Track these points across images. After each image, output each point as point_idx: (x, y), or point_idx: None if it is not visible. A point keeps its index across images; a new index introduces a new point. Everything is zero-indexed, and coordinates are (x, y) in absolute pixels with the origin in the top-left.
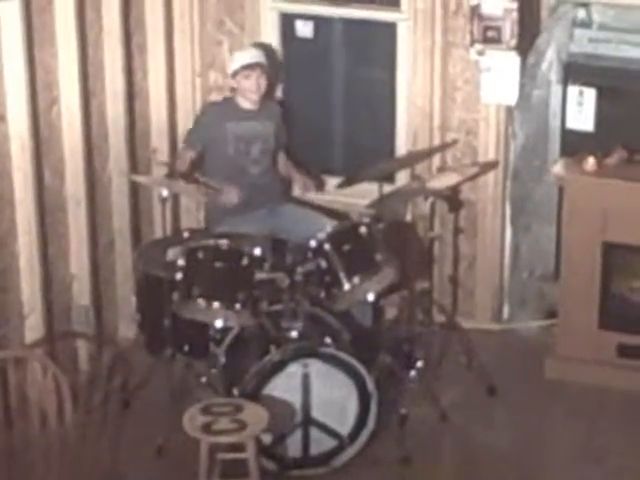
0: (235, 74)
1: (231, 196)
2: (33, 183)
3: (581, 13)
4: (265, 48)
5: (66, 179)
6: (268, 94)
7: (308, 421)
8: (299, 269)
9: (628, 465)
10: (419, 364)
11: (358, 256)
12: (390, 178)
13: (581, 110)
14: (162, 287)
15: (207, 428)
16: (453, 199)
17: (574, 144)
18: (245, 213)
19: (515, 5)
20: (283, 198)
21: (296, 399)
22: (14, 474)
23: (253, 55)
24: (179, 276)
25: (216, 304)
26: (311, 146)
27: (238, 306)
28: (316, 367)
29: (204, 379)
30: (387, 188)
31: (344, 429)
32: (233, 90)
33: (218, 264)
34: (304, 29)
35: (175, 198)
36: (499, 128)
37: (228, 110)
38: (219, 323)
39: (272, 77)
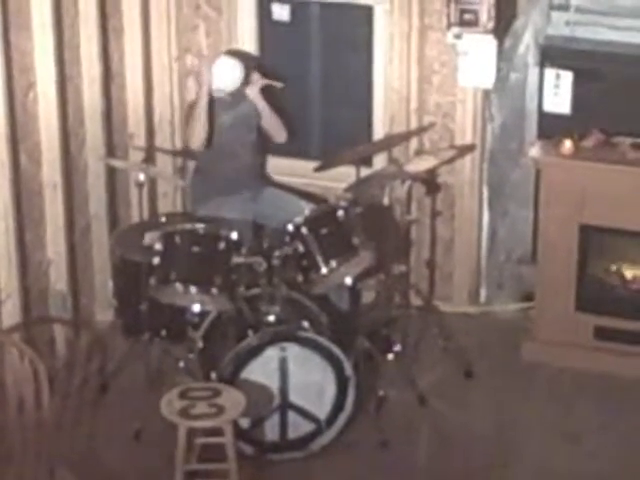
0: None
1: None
2: (9, 169)
3: None
4: (242, 55)
5: (42, 164)
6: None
7: (286, 405)
8: (276, 253)
9: (604, 447)
10: (397, 347)
11: (335, 240)
12: (367, 162)
13: (558, 93)
14: (139, 271)
15: (185, 412)
16: (430, 182)
17: (551, 127)
18: (228, 195)
19: None
20: (264, 180)
21: (274, 383)
22: None
23: (235, 80)
24: (156, 260)
25: (193, 288)
26: (288, 130)
27: (215, 290)
28: (294, 351)
29: (182, 363)
30: (364, 172)
31: (322, 413)
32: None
33: (195, 248)
34: (281, 12)
35: (152, 182)
36: (476, 111)
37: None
38: (196, 307)
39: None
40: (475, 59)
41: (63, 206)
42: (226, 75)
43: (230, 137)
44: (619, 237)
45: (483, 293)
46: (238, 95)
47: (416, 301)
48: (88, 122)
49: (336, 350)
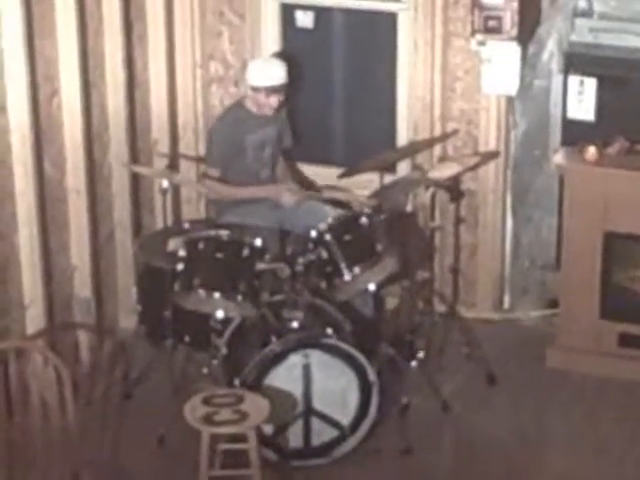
0: (257, 89)
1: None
2: (33, 175)
3: (582, 3)
4: (281, 57)
5: (66, 171)
6: None
7: (309, 411)
8: (300, 259)
9: (628, 455)
10: (420, 354)
11: (359, 246)
12: (391, 168)
13: (582, 100)
14: (163, 278)
15: (208, 419)
16: (454, 189)
17: (575, 134)
18: (251, 203)
19: None
20: None
21: (297, 389)
22: (15, 466)
23: (281, 76)
24: (180, 267)
25: (217, 295)
26: (312, 137)
27: (239, 297)
28: (317, 357)
29: (205, 370)
30: (388, 178)
31: (345, 419)
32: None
33: (219, 255)
34: (304, 19)
35: (176, 189)
36: (500, 118)
37: (241, 121)
38: (220, 314)
39: None
40: (499, 66)
41: (87, 212)
42: (272, 71)
43: (254, 156)
44: None
45: (507, 300)
46: (265, 117)
47: (440, 307)
48: (112, 128)
49: (359, 356)
